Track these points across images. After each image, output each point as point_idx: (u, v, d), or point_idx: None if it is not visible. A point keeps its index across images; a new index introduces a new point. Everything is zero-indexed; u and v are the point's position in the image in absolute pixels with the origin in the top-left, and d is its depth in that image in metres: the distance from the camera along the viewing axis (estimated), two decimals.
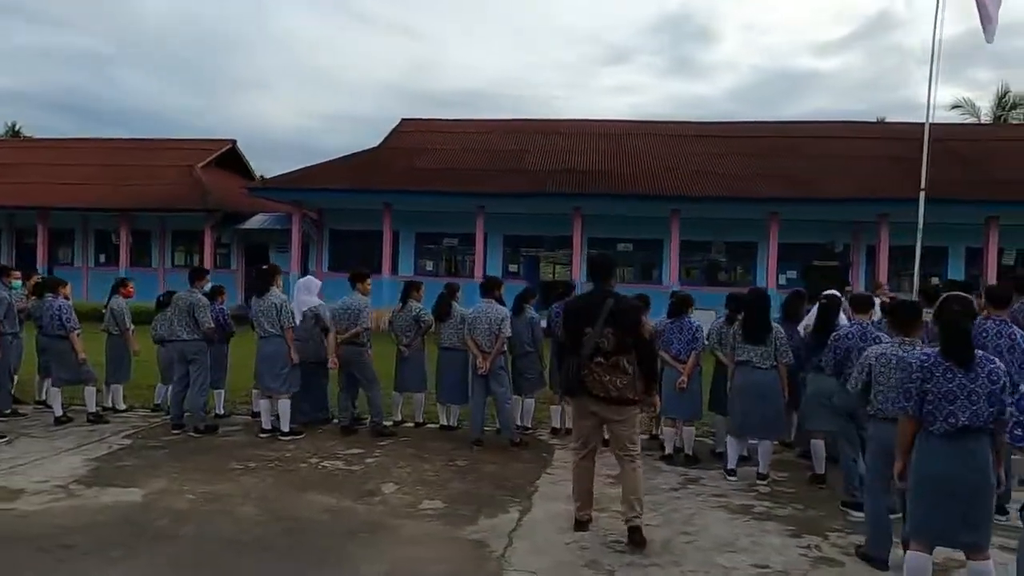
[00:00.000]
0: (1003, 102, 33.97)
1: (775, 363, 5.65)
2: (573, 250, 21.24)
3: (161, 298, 7.85)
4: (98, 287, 23.36)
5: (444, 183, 20.88)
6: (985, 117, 33.44)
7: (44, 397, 7.99)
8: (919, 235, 12.42)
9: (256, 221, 23.25)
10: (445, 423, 7.35)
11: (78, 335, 7.14)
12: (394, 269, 22.05)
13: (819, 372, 5.64)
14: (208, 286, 7.18)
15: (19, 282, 7.69)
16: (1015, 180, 19.56)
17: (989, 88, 72.92)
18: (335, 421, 7.31)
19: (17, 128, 43.40)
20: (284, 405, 6.86)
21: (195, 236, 23.85)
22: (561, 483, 5.54)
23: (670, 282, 20.43)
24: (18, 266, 24.06)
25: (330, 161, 22.55)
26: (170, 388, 7.63)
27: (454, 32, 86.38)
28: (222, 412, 7.68)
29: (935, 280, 19.44)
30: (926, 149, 13.06)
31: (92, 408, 7.28)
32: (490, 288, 6.80)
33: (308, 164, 22.43)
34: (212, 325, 6.98)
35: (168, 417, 7.29)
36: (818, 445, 5.69)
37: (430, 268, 23.61)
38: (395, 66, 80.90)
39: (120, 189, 22.82)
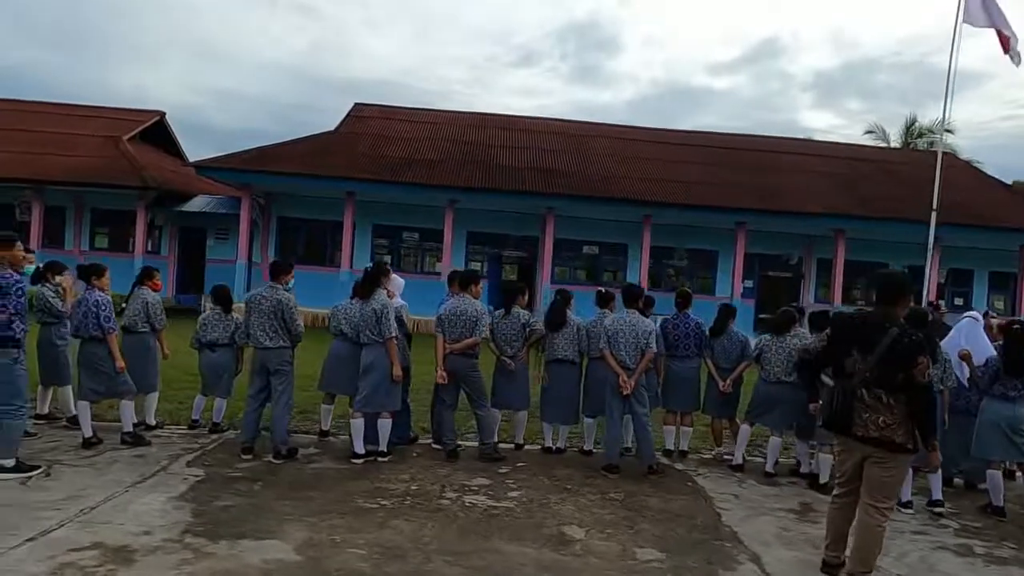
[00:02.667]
0: (911, 130, 36.89)
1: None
2: (543, 251, 20.75)
3: (214, 293, 6.56)
4: None
5: (414, 174, 19.75)
6: (894, 143, 36.11)
7: (47, 411, 6.48)
8: (929, 254, 12.94)
9: (198, 203, 21.03)
10: (549, 445, 6.59)
11: (116, 337, 5.77)
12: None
13: (996, 399, 5.45)
14: (292, 282, 5.98)
15: (31, 267, 6.03)
16: (954, 202, 21.06)
17: (858, 116, 79.91)
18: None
19: None
20: (386, 425, 5.87)
21: (120, 216, 21.27)
22: (749, 520, 5.00)
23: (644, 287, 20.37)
24: None
25: (283, 143, 20.76)
26: (216, 400, 6.45)
27: (358, 18, 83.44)
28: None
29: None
30: (939, 172, 13.59)
31: (129, 426, 5.91)
32: (634, 297, 6.11)
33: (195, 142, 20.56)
34: (303, 329, 5.84)
35: (216, 435, 6.10)
36: (995, 475, 5.47)
37: (388, 263, 22.27)
38: (293, 47, 76.89)
39: (30, 158, 19.90)
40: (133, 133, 22.39)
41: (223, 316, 6.48)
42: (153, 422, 6.45)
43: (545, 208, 20.13)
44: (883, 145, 34.45)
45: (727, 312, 6.74)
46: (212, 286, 6.66)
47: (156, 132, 24.30)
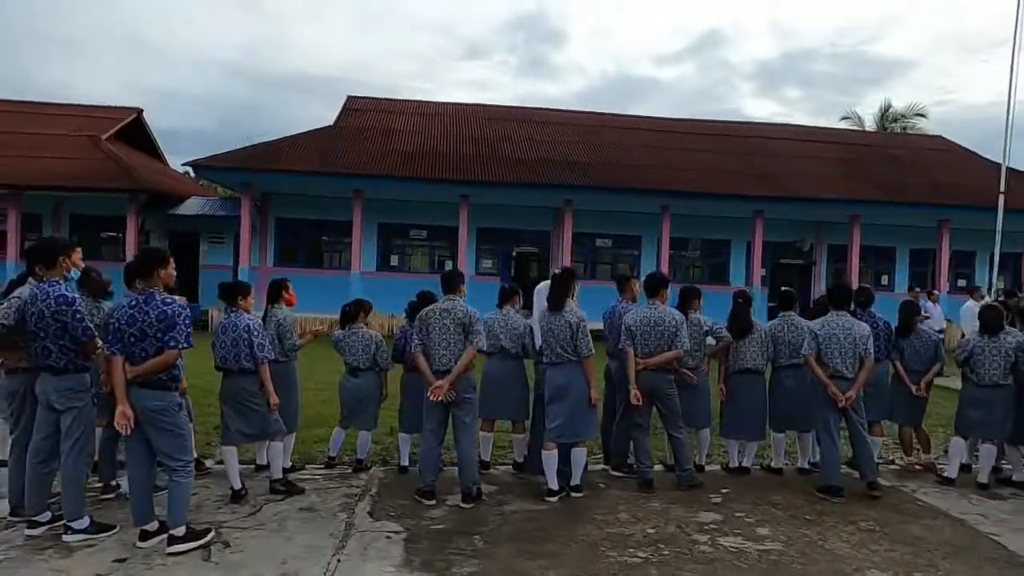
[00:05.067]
0: (886, 115, 37.59)
1: None
2: (559, 245, 20.06)
3: (348, 308, 5.62)
4: None
5: (426, 169, 18.77)
6: (869, 127, 36.73)
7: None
8: (998, 238, 12.75)
9: (192, 206, 19.55)
10: (735, 465, 5.92)
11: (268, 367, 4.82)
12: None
13: None
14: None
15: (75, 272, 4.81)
16: (960, 184, 21.27)
17: (798, 104, 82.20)
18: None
19: None
20: (582, 455, 5.11)
21: (101, 222, 19.67)
22: None
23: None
24: None
25: (282, 140, 19.48)
26: (360, 433, 5.56)
27: (298, 11, 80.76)
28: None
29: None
30: (1006, 156, 13.33)
31: (279, 472, 4.97)
32: (846, 299, 5.46)
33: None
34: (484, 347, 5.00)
35: (362, 474, 5.25)
36: None
37: (395, 263, 21.28)
38: (234, 43, 73.72)
39: (1, 161, 18.08)
40: (111, 132, 20.65)
41: (360, 335, 5.57)
42: (288, 464, 5.50)
43: (562, 201, 19.43)
44: (861, 131, 34.93)
45: (911, 309, 6.18)
46: (343, 305, 5.67)
47: (132, 131, 22.56)
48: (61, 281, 4.06)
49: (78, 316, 3.96)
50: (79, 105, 22.63)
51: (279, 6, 78.47)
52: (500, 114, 23.54)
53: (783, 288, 6.39)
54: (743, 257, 21.91)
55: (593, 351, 5.05)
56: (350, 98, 23.12)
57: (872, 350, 5.30)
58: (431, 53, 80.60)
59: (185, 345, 3.86)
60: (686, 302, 5.82)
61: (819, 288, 22.44)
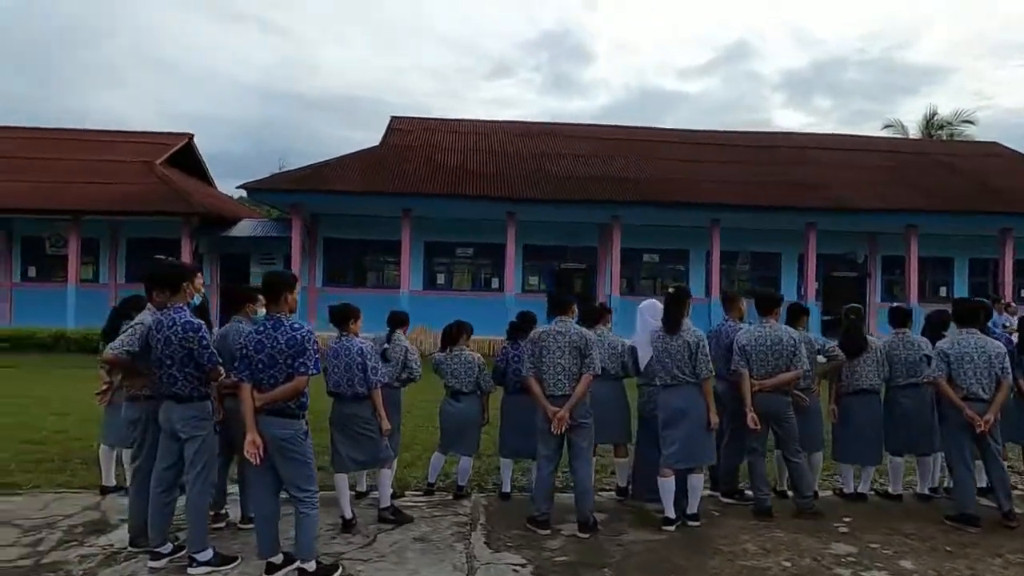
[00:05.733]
0: (931, 123, 36.76)
1: None
2: (607, 260, 19.85)
3: (450, 330, 5.50)
4: (27, 309, 18.89)
5: (474, 187, 18.78)
6: (913, 135, 35.88)
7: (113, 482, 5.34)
8: None
9: (244, 228, 19.82)
10: (850, 491, 5.62)
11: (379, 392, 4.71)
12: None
13: None
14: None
15: (198, 296, 4.81)
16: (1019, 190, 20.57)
17: (830, 114, 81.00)
18: None
19: None
20: (699, 481, 4.88)
21: (157, 245, 19.92)
22: None
23: (713, 295, 19.59)
24: None
25: (330, 161, 19.65)
26: (461, 459, 5.40)
27: (323, 33, 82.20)
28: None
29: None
30: None
31: (388, 500, 4.84)
32: (972, 316, 5.16)
33: None
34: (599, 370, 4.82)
35: (464, 501, 5.08)
36: None
37: (441, 282, 21.26)
38: (260, 66, 75.20)
39: (62, 187, 18.56)
40: (164, 157, 21.11)
41: (462, 358, 5.42)
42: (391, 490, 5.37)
43: (609, 217, 19.26)
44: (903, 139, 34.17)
45: None
46: (445, 327, 5.54)
47: (184, 155, 23.04)
48: (185, 307, 4.00)
49: (204, 343, 3.90)
50: (132, 132, 23.24)
51: (303, 29, 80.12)
52: (543, 131, 23.53)
53: (895, 305, 6.14)
54: (794, 270, 21.46)
55: (712, 372, 4.85)
56: (394, 118, 23.31)
57: (1009, 369, 4.99)
58: (455, 72, 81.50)
59: (315, 371, 3.76)
60: (794, 319, 5.58)
61: (875, 301, 21.86)
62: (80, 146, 21.05)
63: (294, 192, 17.74)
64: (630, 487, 5.48)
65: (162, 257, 17.57)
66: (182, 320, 3.90)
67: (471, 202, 18.49)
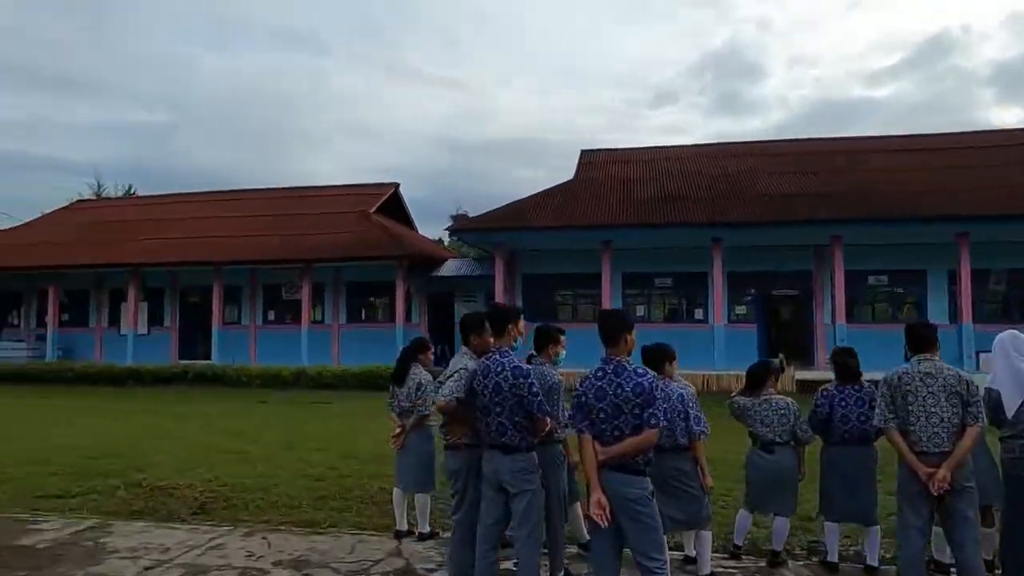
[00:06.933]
0: None
1: None
2: (835, 286, 17.93)
3: (756, 371, 4.87)
4: (268, 348, 21.13)
5: (676, 214, 18.02)
6: None
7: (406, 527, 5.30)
8: None
9: (450, 268, 20.72)
10: None
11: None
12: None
13: None
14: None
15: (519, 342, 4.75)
16: None
17: None
18: None
19: (132, 191, 42.72)
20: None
21: (373, 288, 21.54)
22: None
23: (961, 320, 16.94)
24: (187, 326, 22.47)
25: (525, 199, 19.96)
26: (776, 520, 4.68)
27: (493, 82, 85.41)
28: None
29: None
30: None
31: (708, 566, 4.29)
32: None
33: None
34: None
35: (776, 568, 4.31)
36: None
37: (641, 313, 20.56)
38: (437, 118, 79.77)
39: (293, 239, 20.66)
40: (376, 205, 22.84)
41: (773, 403, 4.74)
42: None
43: (827, 237, 17.47)
44: None
45: None
46: (750, 368, 4.93)
47: (390, 203, 24.79)
48: (511, 351, 3.79)
49: (534, 390, 3.64)
50: (346, 185, 25.48)
51: (476, 79, 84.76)
52: (740, 151, 22.25)
53: None
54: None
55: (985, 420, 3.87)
56: (583, 151, 23.35)
57: None
58: (618, 104, 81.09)
59: (664, 422, 3.33)
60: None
61: None
62: (304, 202, 23.46)
63: (499, 231, 18.14)
64: (996, 561, 4.43)
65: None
66: (511, 365, 3.68)
67: (674, 229, 17.75)
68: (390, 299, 20.39)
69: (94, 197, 38.45)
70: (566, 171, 22.34)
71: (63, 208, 27.92)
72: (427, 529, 5.20)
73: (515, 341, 3.88)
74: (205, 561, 4.83)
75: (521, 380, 3.65)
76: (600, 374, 3.46)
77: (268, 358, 20.16)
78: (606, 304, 18.48)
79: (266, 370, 17.84)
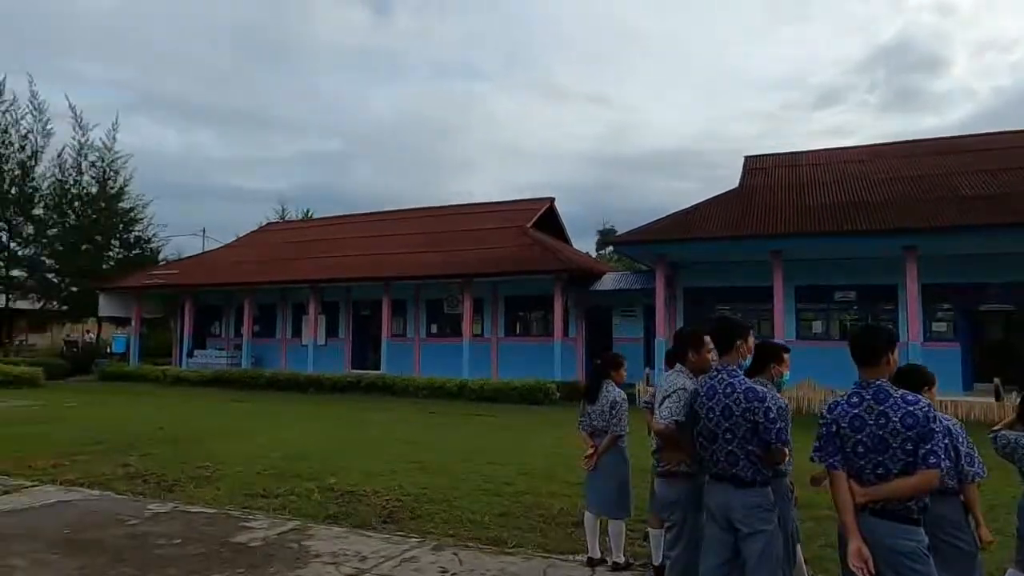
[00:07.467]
0: None
1: None
2: None
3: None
4: (430, 360, 21.97)
5: (859, 220, 16.33)
6: None
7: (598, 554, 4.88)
8: None
9: (608, 281, 20.35)
10: None
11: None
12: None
13: None
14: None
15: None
16: None
17: None
18: None
19: (310, 213, 46.70)
20: None
21: (530, 301, 21.66)
22: None
23: None
24: (358, 338, 24.09)
25: (688, 209, 19.09)
26: None
27: (644, 97, 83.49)
28: None
29: None
30: None
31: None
32: None
33: None
34: None
35: None
36: None
37: (818, 330, 18.90)
38: (587, 135, 79.65)
39: (453, 255, 21.33)
40: (532, 220, 23.04)
41: None
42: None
43: None
44: None
45: None
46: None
47: (545, 218, 24.92)
48: (739, 370, 3.38)
49: (771, 415, 3.20)
50: (501, 201, 26.01)
51: (627, 95, 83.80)
52: (927, 149, 19.87)
53: None
54: None
55: None
56: (748, 158, 22.03)
57: None
58: (777, 109, 76.16)
59: (948, 463, 2.76)
60: None
61: None
62: (463, 219, 24.23)
63: (659, 243, 17.50)
64: None
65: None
66: (743, 387, 3.27)
67: (858, 238, 16.10)
68: (547, 313, 20.39)
69: (279, 220, 42.46)
70: (715, 181, 21.24)
71: (255, 231, 31.16)
72: (622, 559, 4.85)
73: (744, 359, 3.46)
74: (401, 574, 4.84)
75: (756, 404, 3.22)
76: (856, 400, 2.95)
77: (430, 369, 20.93)
78: (778, 318, 17.14)
79: (431, 381, 18.49)
